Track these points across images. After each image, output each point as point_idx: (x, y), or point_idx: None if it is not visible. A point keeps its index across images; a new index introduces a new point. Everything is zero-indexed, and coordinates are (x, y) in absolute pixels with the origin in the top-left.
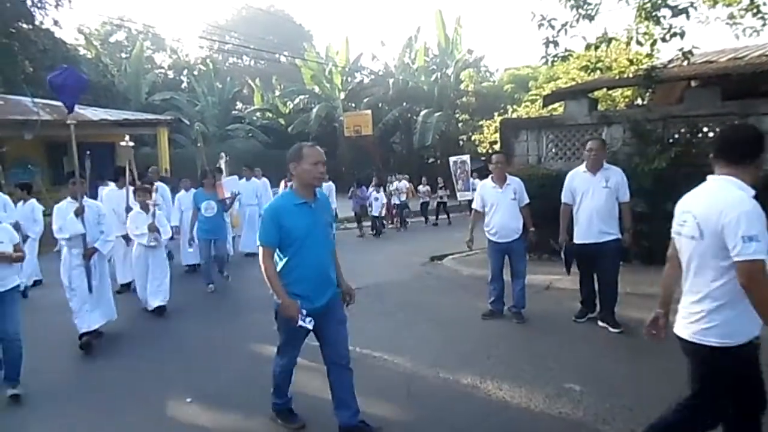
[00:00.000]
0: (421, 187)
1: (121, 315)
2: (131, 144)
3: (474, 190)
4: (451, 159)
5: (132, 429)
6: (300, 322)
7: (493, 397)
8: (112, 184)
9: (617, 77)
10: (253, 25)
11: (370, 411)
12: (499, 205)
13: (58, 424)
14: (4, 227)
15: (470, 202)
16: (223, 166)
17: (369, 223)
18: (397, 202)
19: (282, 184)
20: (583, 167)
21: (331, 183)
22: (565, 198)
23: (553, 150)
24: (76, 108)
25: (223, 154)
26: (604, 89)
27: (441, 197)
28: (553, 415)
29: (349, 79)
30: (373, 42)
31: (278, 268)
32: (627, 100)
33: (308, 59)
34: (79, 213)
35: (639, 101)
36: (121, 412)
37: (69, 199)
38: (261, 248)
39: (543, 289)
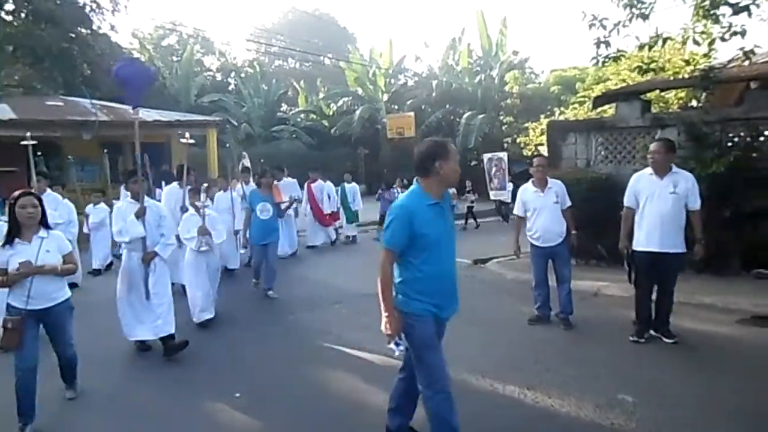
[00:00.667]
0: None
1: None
2: (191, 141)
3: (506, 189)
4: (486, 156)
5: None
6: (392, 345)
7: (540, 405)
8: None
9: (672, 78)
10: (299, 28)
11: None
12: (541, 210)
13: (114, 428)
14: (56, 234)
15: (502, 203)
16: (248, 165)
17: None
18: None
19: (306, 186)
20: (649, 170)
21: (354, 184)
22: (628, 201)
23: (603, 153)
24: (129, 109)
25: (245, 153)
26: (657, 91)
27: (471, 201)
28: (604, 426)
29: (393, 81)
30: (417, 44)
31: (398, 275)
32: (681, 101)
33: (352, 61)
34: (140, 215)
35: (694, 103)
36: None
37: (129, 199)
38: (384, 251)
39: (591, 295)
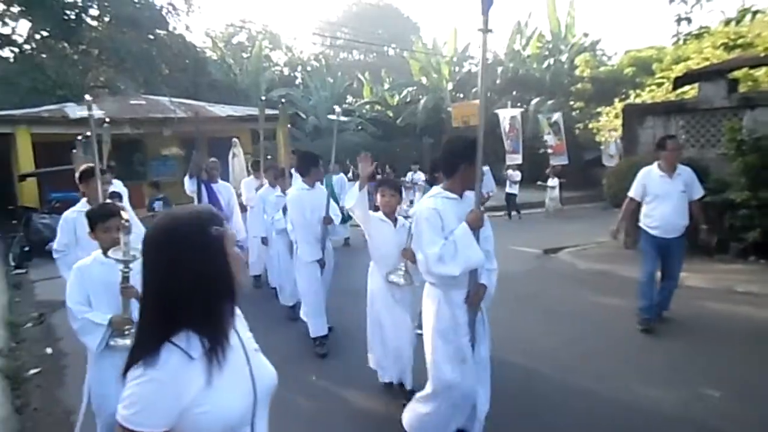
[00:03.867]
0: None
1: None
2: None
3: (519, 153)
4: (500, 112)
5: None
6: None
7: (621, 398)
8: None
9: (762, 54)
10: (363, 20)
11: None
12: (665, 197)
13: None
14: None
15: (509, 195)
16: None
17: None
18: (509, 191)
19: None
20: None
21: (342, 175)
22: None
23: (684, 137)
24: (206, 105)
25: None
26: (746, 68)
27: (510, 186)
28: (687, 420)
29: (457, 69)
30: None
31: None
32: None
33: (416, 50)
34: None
35: None
36: None
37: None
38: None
39: None
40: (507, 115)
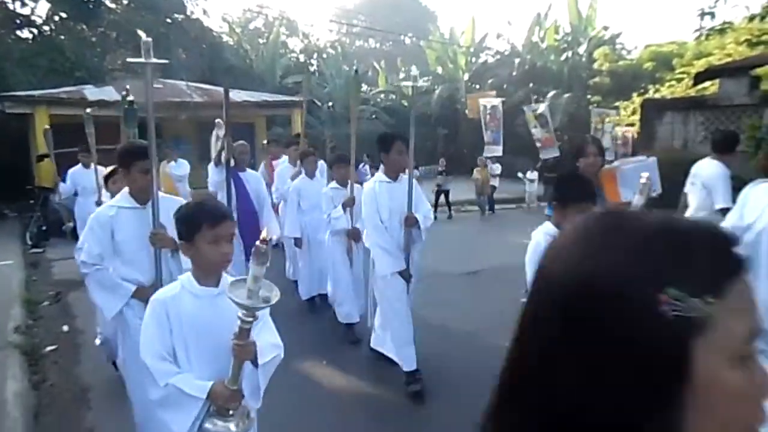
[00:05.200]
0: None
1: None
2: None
3: (500, 146)
4: (481, 101)
5: None
6: None
7: None
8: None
9: None
10: (380, 8)
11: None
12: None
13: None
14: None
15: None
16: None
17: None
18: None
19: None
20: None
21: (321, 162)
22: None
23: (703, 133)
24: (221, 90)
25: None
26: None
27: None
28: None
29: (474, 59)
30: (500, 21)
31: None
32: None
33: (432, 40)
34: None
35: None
36: None
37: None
38: None
39: None
40: (488, 104)
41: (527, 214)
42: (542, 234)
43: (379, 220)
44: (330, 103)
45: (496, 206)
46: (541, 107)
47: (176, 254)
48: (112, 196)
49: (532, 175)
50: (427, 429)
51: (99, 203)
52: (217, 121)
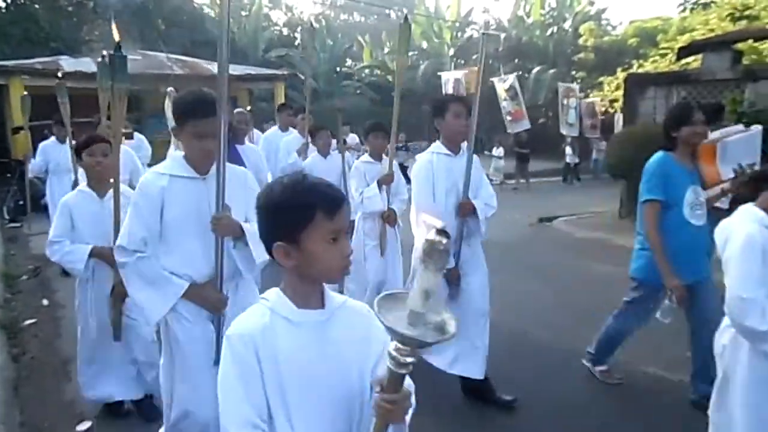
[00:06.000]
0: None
1: None
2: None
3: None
4: (444, 75)
5: None
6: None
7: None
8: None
9: None
10: None
11: None
12: None
13: None
14: None
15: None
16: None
17: None
18: None
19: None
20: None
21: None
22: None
23: None
24: (204, 63)
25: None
26: (751, 41)
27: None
28: (673, 381)
29: (459, 35)
30: None
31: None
32: None
33: (417, 14)
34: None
35: None
36: None
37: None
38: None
39: None
40: (450, 77)
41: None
42: (754, 224)
43: (435, 200)
44: (312, 78)
45: None
46: (510, 79)
47: (241, 244)
48: (85, 174)
49: (498, 151)
50: None
51: (75, 183)
52: (169, 90)
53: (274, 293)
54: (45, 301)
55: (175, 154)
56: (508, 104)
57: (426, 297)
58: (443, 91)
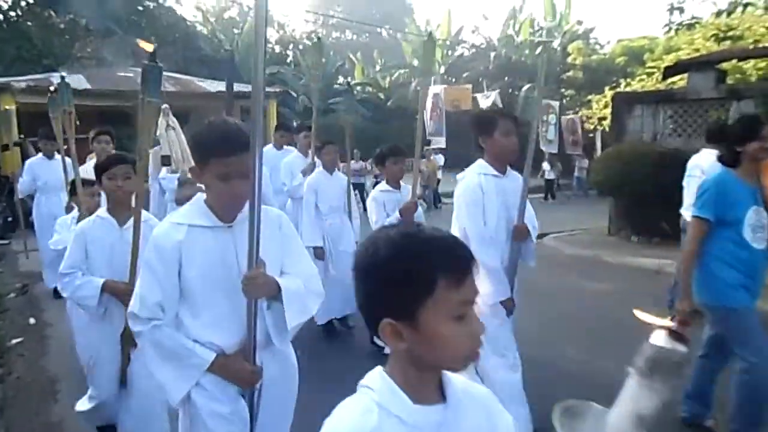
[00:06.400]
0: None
1: None
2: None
3: (443, 136)
4: (423, 90)
5: None
6: None
7: (606, 380)
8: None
9: (752, 47)
10: None
11: None
12: None
13: None
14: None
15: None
16: None
17: None
18: None
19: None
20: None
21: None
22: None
23: (671, 126)
24: (197, 80)
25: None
26: (735, 60)
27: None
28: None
29: (450, 53)
30: (476, 15)
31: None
32: (761, 72)
33: (409, 32)
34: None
35: None
36: None
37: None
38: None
39: (653, 273)
40: (430, 92)
41: None
42: None
43: (487, 225)
44: (305, 95)
45: (442, 199)
46: (492, 95)
47: (277, 304)
48: (106, 199)
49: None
50: None
51: (69, 208)
52: (164, 107)
53: (380, 379)
54: (32, 320)
55: (197, 196)
56: None
57: (640, 423)
58: (420, 106)
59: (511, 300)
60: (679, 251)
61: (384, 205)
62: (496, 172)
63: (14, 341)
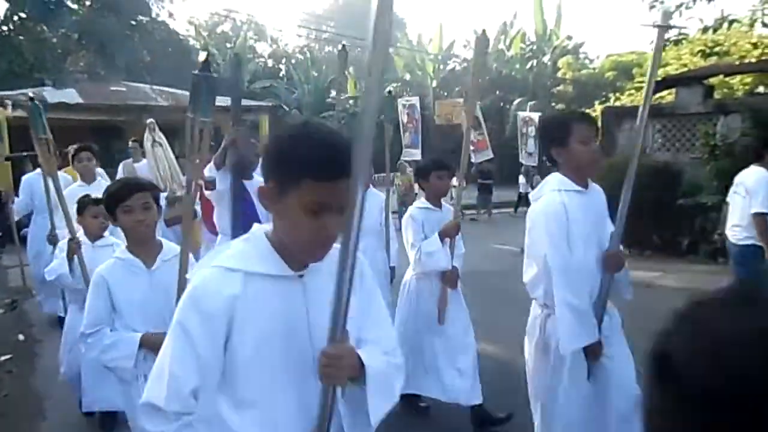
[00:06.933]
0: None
1: None
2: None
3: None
4: (400, 101)
5: None
6: None
7: None
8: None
9: (737, 62)
10: (349, 13)
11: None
12: None
13: None
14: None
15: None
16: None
17: None
18: None
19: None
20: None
21: None
22: None
23: (660, 140)
24: (188, 94)
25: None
26: (721, 76)
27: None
28: None
29: (442, 67)
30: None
31: None
32: (747, 87)
33: (400, 47)
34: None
35: (761, 89)
36: None
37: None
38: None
39: (644, 286)
40: (405, 103)
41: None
42: None
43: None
44: (297, 109)
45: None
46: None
47: (356, 388)
48: (125, 237)
49: (455, 180)
50: None
51: (54, 238)
52: (149, 121)
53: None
54: (21, 336)
55: (256, 230)
56: (472, 134)
57: None
58: (399, 118)
59: (599, 344)
60: (675, 264)
61: (423, 225)
62: (578, 187)
63: (2, 358)
